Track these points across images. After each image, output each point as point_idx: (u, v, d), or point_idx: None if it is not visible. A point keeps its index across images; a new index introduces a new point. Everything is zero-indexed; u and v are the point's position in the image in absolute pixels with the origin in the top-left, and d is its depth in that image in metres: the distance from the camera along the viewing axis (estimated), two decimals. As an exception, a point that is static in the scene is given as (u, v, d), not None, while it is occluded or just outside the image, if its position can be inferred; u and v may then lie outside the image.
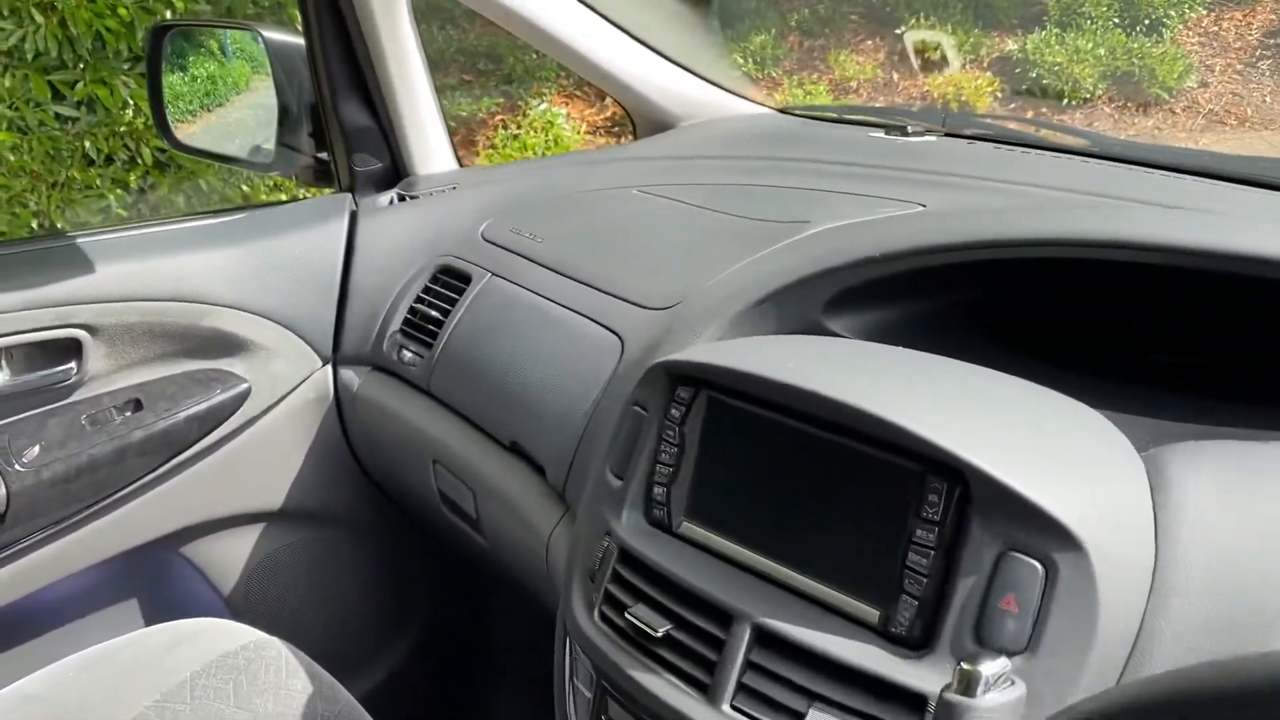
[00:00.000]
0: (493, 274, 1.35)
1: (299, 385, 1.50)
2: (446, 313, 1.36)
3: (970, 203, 1.10)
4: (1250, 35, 5.63)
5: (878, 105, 5.29)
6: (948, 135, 1.46)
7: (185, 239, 1.45)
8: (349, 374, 1.51)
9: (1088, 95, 5.27)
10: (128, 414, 1.37)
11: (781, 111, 1.69)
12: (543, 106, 4.93)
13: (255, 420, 1.47)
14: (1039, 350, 0.91)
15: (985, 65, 5.51)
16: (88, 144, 3.91)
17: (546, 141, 4.79)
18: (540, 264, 1.31)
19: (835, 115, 1.64)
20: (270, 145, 1.64)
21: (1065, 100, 5.27)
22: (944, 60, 5.38)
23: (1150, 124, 5.28)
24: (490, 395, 1.24)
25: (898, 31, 5.69)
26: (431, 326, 1.38)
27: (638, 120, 1.72)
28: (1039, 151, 1.33)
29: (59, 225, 3.97)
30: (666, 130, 1.68)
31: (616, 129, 5.06)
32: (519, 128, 4.89)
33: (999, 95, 5.35)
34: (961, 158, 1.34)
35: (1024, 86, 5.38)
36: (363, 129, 1.57)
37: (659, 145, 1.63)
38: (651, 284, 1.16)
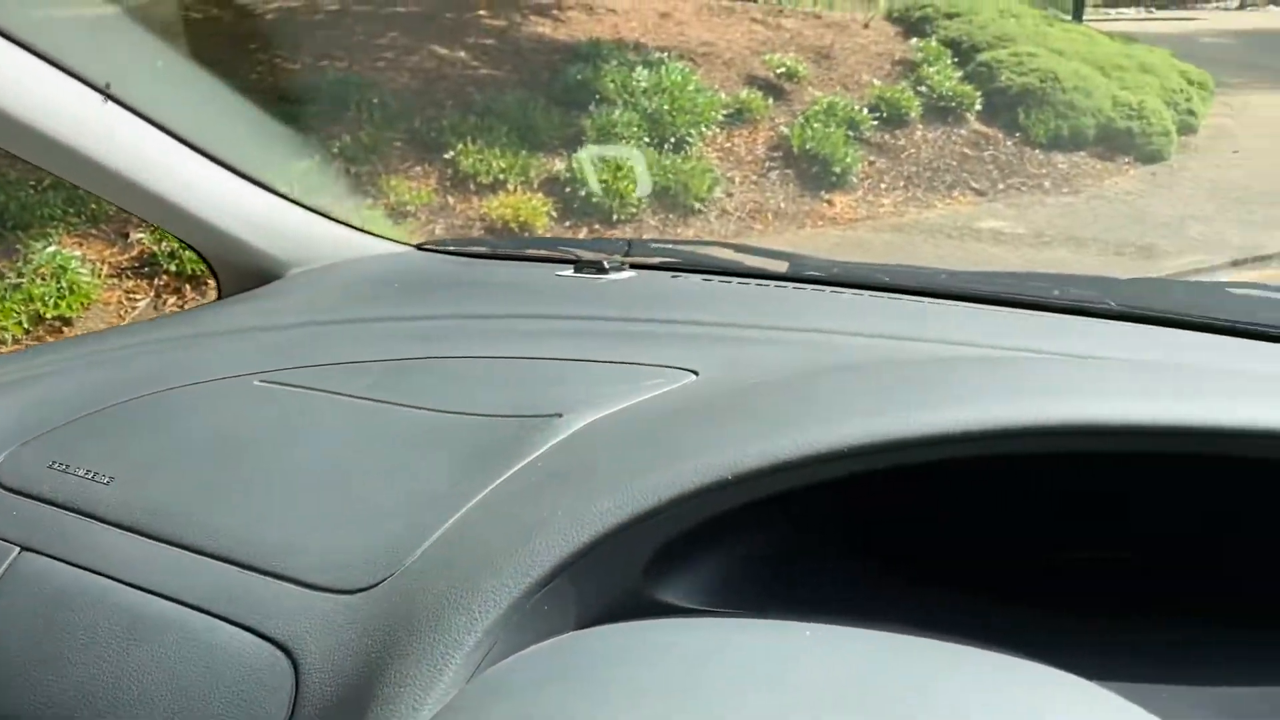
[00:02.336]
0: (23, 548, 0.85)
1: None
2: None
3: (757, 361, 0.89)
4: (758, 150, 6.27)
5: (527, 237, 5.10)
6: (634, 268, 1.26)
7: None
8: None
9: (635, 206, 5.52)
10: None
11: (419, 248, 1.39)
12: (50, 249, 4.15)
13: None
14: (929, 568, 0.70)
15: (536, 186, 5.59)
16: None
17: (59, 290, 4.02)
18: (116, 524, 0.83)
19: (489, 250, 1.38)
20: None
21: (615, 216, 5.48)
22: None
23: (692, 232, 5.64)
24: None
25: (446, 156, 5.60)
26: None
27: (222, 271, 1.31)
28: (758, 281, 1.18)
29: None
30: (269, 282, 1.30)
31: (148, 269, 4.40)
32: (20, 276, 4.06)
33: (554, 214, 5.43)
34: (686, 298, 1.13)
35: (575, 205, 5.52)
36: None
37: (270, 306, 1.22)
38: (323, 543, 0.76)
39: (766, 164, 6.18)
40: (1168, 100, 7.48)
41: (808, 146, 6.06)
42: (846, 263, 1.19)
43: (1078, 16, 11.22)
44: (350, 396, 0.92)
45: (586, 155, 5.04)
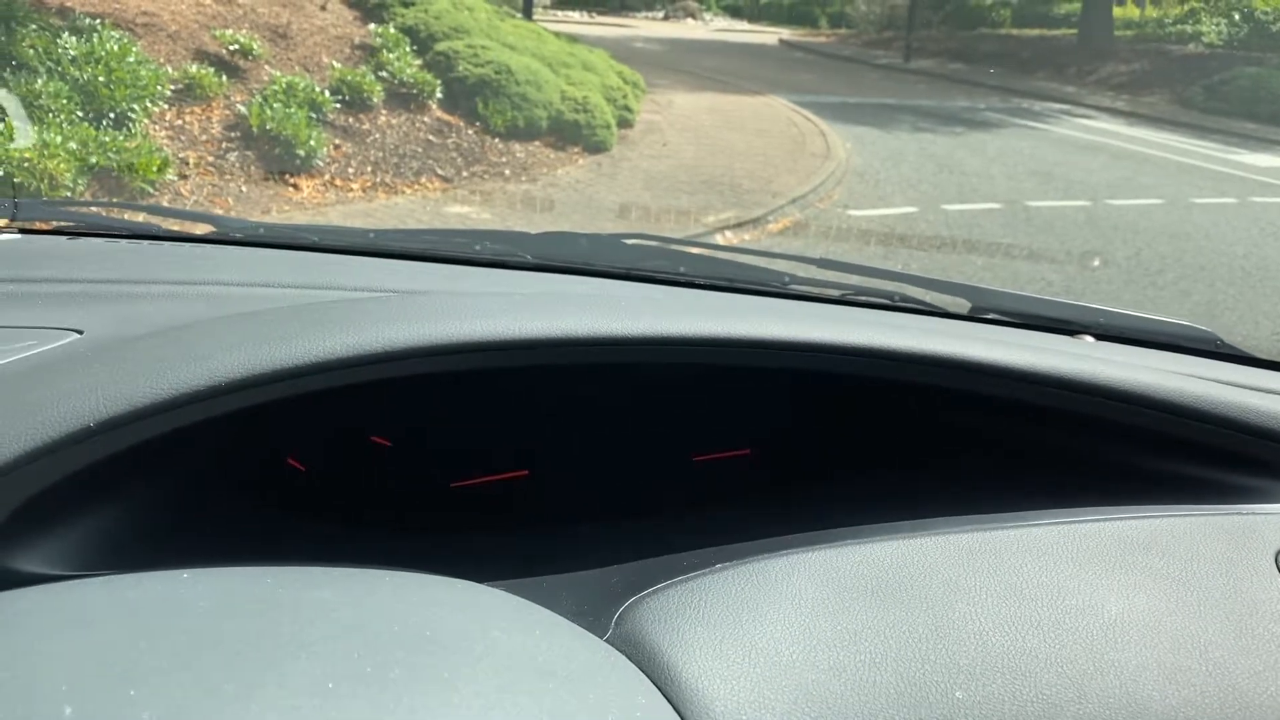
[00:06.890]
0: None
1: None
2: None
3: (151, 316, 0.85)
4: (214, 129, 5.91)
5: None
6: (24, 232, 1.16)
7: None
8: None
9: (69, 189, 4.93)
10: None
11: None
12: None
13: None
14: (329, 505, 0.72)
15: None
16: None
17: None
18: None
19: None
20: None
21: (45, 195, 4.86)
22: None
23: (142, 218, 5.18)
24: None
25: None
26: None
27: None
28: (173, 243, 1.13)
29: None
30: None
31: None
32: None
33: (-36, 195, 4.69)
34: (82, 260, 1.05)
35: (-8, 184, 4.80)
36: None
37: None
38: None
39: (224, 145, 5.85)
40: (608, 96, 8.28)
41: (268, 127, 5.84)
42: (273, 224, 1.20)
43: (528, 14, 11.98)
44: None
45: None
